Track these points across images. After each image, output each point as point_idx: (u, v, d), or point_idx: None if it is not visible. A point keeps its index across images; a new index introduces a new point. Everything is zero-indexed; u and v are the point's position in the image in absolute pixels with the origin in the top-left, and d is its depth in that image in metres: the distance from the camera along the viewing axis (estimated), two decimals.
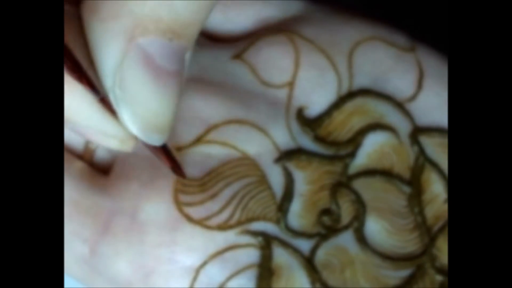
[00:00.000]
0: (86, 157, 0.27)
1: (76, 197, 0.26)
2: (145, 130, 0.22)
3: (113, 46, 0.21)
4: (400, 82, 0.28)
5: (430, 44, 0.29)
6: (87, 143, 0.27)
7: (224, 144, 0.26)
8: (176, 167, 0.25)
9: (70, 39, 0.21)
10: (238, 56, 0.28)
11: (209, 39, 0.29)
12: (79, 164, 0.27)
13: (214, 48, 0.28)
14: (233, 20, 0.28)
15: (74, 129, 0.23)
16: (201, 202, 0.26)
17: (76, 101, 0.22)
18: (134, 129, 0.22)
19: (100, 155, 0.27)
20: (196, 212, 0.25)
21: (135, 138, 0.23)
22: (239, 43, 0.28)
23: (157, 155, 0.25)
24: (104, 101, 0.22)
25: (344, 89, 0.28)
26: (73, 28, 0.22)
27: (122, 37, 0.21)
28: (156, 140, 0.23)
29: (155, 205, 0.25)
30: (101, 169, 0.27)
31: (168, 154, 0.25)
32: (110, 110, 0.22)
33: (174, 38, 0.21)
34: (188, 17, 0.21)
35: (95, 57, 0.21)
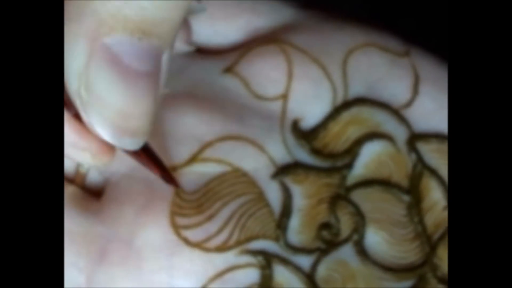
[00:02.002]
0: (78, 181, 0.26)
1: (69, 225, 0.25)
2: (116, 134, 0.21)
3: (77, 47, 0.20)
4: (396, 88, 0.27)
5: (430, 46, 0.28)
6: (78, 167, 0.26)
7: (219, 161, 0.26)
8: (165, 174, 0.25)
9: None
10: (229, 69, 0.27)
11: (198, 52, 0.28)
12: (70, 189, 0.26)
13: (204, 61, 0.27)
14: (222, 32, 0.28)
15: None
16: (199, 224, 0.25)
17: None
18: (103, 133, 0.21)
19: (92, 178, 0.26)
20: (194, 234, 0.25)
21: (108, 152, 0.23)
22: (229, 55, 0.28)
23: (142, 163, 0.24)
24: (78, 117, 0.22)
25: (339, 99, 0.27)
26: None
27: (86, 38, 0.20)
28: (130, 144, 0.22)
29: (152, 230, 0.25)
30: (93, 192, 0.26)
31: (154, 161, 0.24)
32: (83, 125, 0.22)
33: (143, 38, 0.20)
34: (158, 15, 0.20)
35: (65, 60, 0.21)
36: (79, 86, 0.21)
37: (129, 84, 0.21)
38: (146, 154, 0.24)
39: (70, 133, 0.22)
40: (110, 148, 0.23)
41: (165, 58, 0.21)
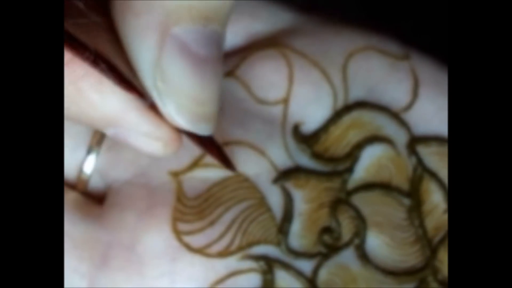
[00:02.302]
0: (79, 186, 0.26)
1: (71, 231, 0.25)
2: (193, 120, 0.22)
3: (149, 40, 0.21)
4: (396, 91, 0.28)
5: (429, 48, 0.28)
6: (80, 173, 0.26)
7: (221, 166, 0.26)
8: (225, 161, 0.25)
9: (109, 51, 0.21)
10: (230, 73, 0.27)
11: None
12: (72, 195, 0.26)
13: None
14: None
15: (115, 134, 0.23)
16: (200, 230, 0.25)
17: (121, 106, 0.22)
18: (182, 121, 0.22)
19: (94, 184, 0.26)
20: (196, 240, 0.25)
21: (178, 141, 0.23)
22: (230, 60, 0.28)
23: (206, 150, 0.24)
24: (153, 107, 0.22)
25: (340, 103, 0.27)
26: (106, 38, 0.21)
27: (157, 30, 0.20)
28: (205, 129, 0.22)
29: (153, 236, 0.25)
30: (95, 198, 0.26)
31: (218, 148, 0.24)
32: (158, 115, 0.22)
33: (207, 24, 0.21)
34: (217, 1, 0.21)
35: (132, 56, 0.21)
36: (154, 78, 0.21)
37: (200, 70, 0.21)
38: (211, 141, 0.24)
39: (146, 123, 0.22)
40: (179, 137, 0.23)
41: (222, 41, 0.22)
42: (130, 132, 0.22)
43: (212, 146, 0.24)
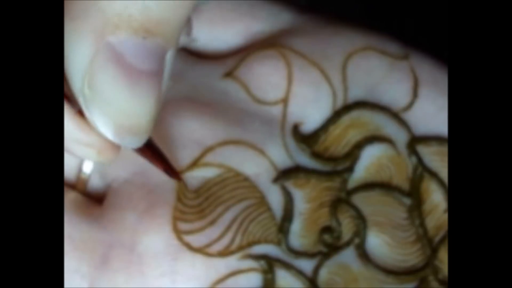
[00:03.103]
0: (79, 186, 0.26)
1: (71, 231, 0.25)
2: (118, 132, 0.21)
3: (82, 45, 0.20)
4: (395, 91, 0.28)
5: (429, 48, 0.28)
6: (80, 173, 0.26)
7: (221, 166, 0.26)
8: (169, 169, 0.25)
9: None
10: (229, 74, 0.27)
11: (197, 57, 0.28)
12: (72, 195, 0.26)
13: (204, 66, 0.27)
14: (221, 37, 0.28)
15: None
16: (201, 229, 0.25)
17: None
18: (106, 131, 0.21)
19: (94, 184, 0.26)
20: (196, 240, 0.25)
21: (114, 148, 0.23)
22: (229, 60, 0.28)
23: (146, 159, 0.24)
24: (81, 113, 0.22)
25: (339, 102, 0.27)
26: None
27: (91, 36, 0.20)
28: (131, 143, 0.22)
29: (154, 236, 0.25)
30: (95, 198, 0.26)
31: (158, 156, 0.24)
32: (87, 121, 0.22)
33: (148, 37, 0.20)
34: (162, 15, 0.20)
35: (65, 59, 0.21)
36: (82, 84, 0.21)
37: (132, 83, 0.21)
38: (150, 150, 0.24)
39: (75, 129, 0.22)
40: (115, 144, 0.23)
41: (169, 56, 0.21)
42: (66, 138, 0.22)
43: (153, 153, 0.24)
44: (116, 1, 0.20)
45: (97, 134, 0.22)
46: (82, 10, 0.20)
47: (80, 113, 0.22)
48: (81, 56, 0.20)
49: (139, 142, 0.22)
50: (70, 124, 0.22)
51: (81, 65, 0.20)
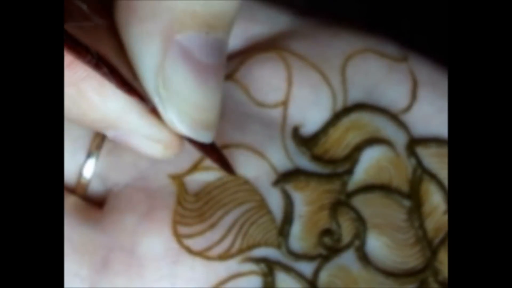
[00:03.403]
0: (79, 191, 0.26)
1: (71, 234, 0.25)
2: (194, 127, 0.22)
3: (152, 46, 0.21)
4: (394, 93, 0.28)
5: (428, 49, 0.28)
6: (80, 177, 0.26)
7: (221, 169, 0.26)
8: (226, 165, 0.25)
9: (111, 54, 0.21)
10: (229, 77, 0.27)
11: None
12: (72, 199, 0.26)
13: None
14: None
15: (115, 136, 0.23)
16: (201, 233, 0.25)
17: (122, 108, 0.22)
18: (183, 128, 0.22)
19: (94, 188, 0.26)
20: (196, 243, 0.25)
21: (179, 144, 0.23)
22: (229, 63, 0.28)
23: (206, 154, 0.24)
24: (154, 111, 0.22)
25: (339, 105, 0.27)
26: (109, 41, 0.21)
27: (160, 36, 0.21)
28: (205, 137, 0.22)
29: (154, 239, 0.25)
30: (95, 202, 0.26)
31: (218, 152, 0.24)
32: (159, 117, 0.22)
33: (210, 31, 0.21)
34: (221, 8, 0.21)
35: (135, 60, 0.21)
36: (156, 84, 0.21)
37: (202, 78, 0.21)
38: (212, 146, 0.24)
39: (147, 126, 0.22)
40: (180, 140, 0.23)
41: (225, 49, 0.22)
42: (130, 134, 0.22)
43: (213, 150, 0.24)
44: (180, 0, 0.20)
45: (167, 129, 0.22)
46: (149, 11, 0.20)
47: (153, 111, 0.22)
48: (152, 56, 0.21)
49: (211, 135, 0.23)
50: (143, 122, 0.22)
51: (153, 65, 0.21)
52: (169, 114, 0.22)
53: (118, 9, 0.21)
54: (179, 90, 0.21)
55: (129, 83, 0.21)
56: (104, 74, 0.21)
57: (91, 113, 0.21)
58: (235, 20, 0.21)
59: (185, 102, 0.21)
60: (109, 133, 0.22)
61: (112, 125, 0.22)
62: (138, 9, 0.21)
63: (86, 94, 0.21)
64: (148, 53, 0.21)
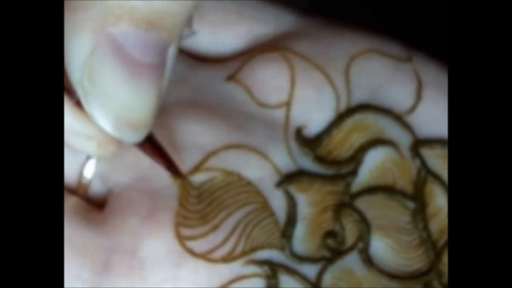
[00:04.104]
0: (80, 191, 0.26)
1: (72, 236, 0.25)
2: (118, 126, 0.21)
3: (82, 36, 0.20)
4: (399, 94, 0.27)
5: (430, 50, 0.28)
6: (81, 178, 0.26)
7: (224, 171, 0.26)
8: (170, 166, 0.24)
9: None
10: (232, 77, 0.27)
11: (200, 60, 0.28)
12: (73, 200, 0.26)
13: (206, 70, 0.27)
14: (223, 40, 0.28)
15: None
16: (204, 235, 0.25)
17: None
18: (105, 125, 0.21)
19: (95, 189, 0.26)
20: (199, 245, 0.25)
21: (114, 142, 0.22)
22: (232, 63, 0.27)
23: (147, 154, 0.24)
24: (80, 104, 0.21)
25: (343, 105, 0.27)
26: None
27: (92, 27, 0.20)
28: (132, 137, 0.22)
29: (156, 241, 0.25)
30: (96, 203, 0.26)
31: (159, 152, 0.24)
32: (86, 113, 0.21)
33: (150, 29, 0.20)
34: (166, 8, 0.20)
35: (65, 50, 0.20)
36: (82, 76, 0.20)
37: (133, 76, 0.20)
38: (151, 146, 0.24)
39: (74, 121, 0.22)
40: (115, 137, 0.22)
41: (171, 51, 0.21)
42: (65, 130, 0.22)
43: (155, 149, 0.24)
44: None
45: (97, 126, 0.22)
46: (83, 1, 0.20)
47: (78, 104, 0.21)
48: (81, 47, 0.20)
49: (139, 136, 0.22)
50: (69, 115, 0.22)
51: (81, 56, 0.20)
52: (92, 108, 0.21)
53: None
54: (104, 85, 0.20)
55: None
56: None
57: None
58: (186, 22, 0.21)
59: (109, 98, 0.20)
60: None
61: None
62: None
63: None
64: (76, 43, 0.20)
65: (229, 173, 0.26)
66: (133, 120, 0.21)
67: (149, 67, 0.20)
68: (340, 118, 0.27)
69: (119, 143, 0.23)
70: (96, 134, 0.22)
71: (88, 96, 0.21)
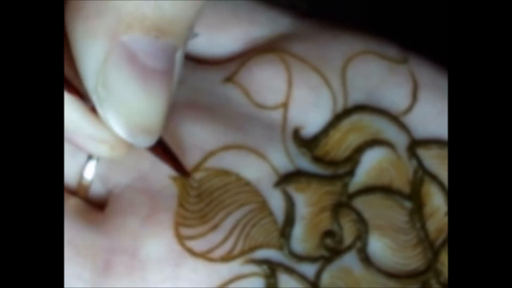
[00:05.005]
0: (81, 193, 0.26)
1: (72, 237, 0.25)
2: (131, 131, 0.22)
3: (95, 44, 0.20)
4: (395, 95, 0.28)
5: (429, 51, 0.28)
6: (81, 179, 0.26)
7: (222, 171, 0.26)
8: (179, 167, 0.25)
9: None
10: (229, 79, 0.27)
11: (197, 62, 0.28)
12: (73, 201, 0.26)
13: (204, 72, 0.27)
14: (220, 43, 0.28)
15: (67, 138, 0.23)
16: (203, 235, 0.25)
17: (64, 107, 0.22)
18: (119, 130, 0.21)
19: (95, 190, 0.26)
20: (199, 245, 0.25)
21: (126, 145, 0.23)
22: (229, 65, 0.28)
23: (157, 157, 0.24)
24: (95, 110, 0.22)
25: (339, 107, 0.27)
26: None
27: (105, 35, 0.20)
28: (144, 142, 0.22)
29: (156, 241, 0.25)
30: (97, 204, 0.26)
31: (168, 154, 0.24)
32: (100, 118, 0.22)
33: (160, 36, 0.20)
34: (174, 15, 0.20)
35: (77, 58, 0.21)
36: (96, 83, 0.21)
37: (145, 82, 0.21)
38: (161, 148, 0.24)
39: (88, 125, 0.22)
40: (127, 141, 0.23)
41: (178, 56, 0.21)
42: (74, 134, 0.22)
43: (163, 150, 0.24)
44: (129, 0, 0.20)
45: (110, 130, 0.22)
46: (95, 10, 0.20)
47: (93, 109, 0.22)
48: (94, 55, 0.20)
49: (151, 140, 0.22)
50: (84, 121, 0.22)
51: (95, 64, 0.21)
52: (106, 114, 0.21)
53: (67, 6, 0.21)
54: (119, 91, 0.21)
55: (67, 80, 0.21)
56: None
57: None
58: (193, 26, 0.21)
59: (123, 104, 0.21)
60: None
61: None
62: (85, 6, 0.20)
63: None
64: (90, 51, 0.20)
65: (227, 173, 0.26)
66: (146, 125, 0.22)
67: (160, 72, 0.21)
68: (337, 119, 0.27)
69: (130, 146, 0.23)
70: (108, 138, 0.23)
71: (103, 102, 0.21)
